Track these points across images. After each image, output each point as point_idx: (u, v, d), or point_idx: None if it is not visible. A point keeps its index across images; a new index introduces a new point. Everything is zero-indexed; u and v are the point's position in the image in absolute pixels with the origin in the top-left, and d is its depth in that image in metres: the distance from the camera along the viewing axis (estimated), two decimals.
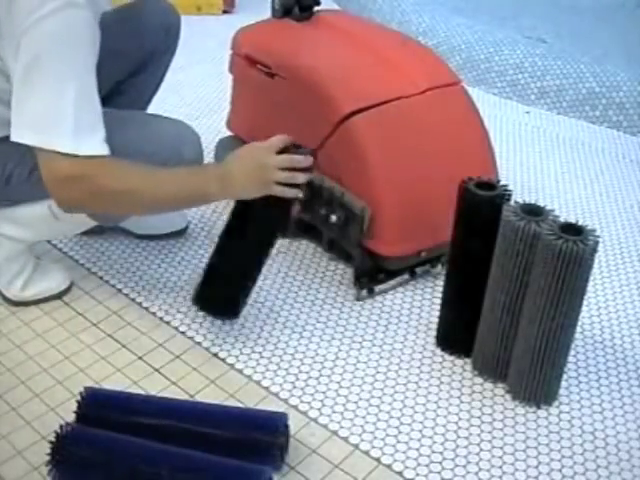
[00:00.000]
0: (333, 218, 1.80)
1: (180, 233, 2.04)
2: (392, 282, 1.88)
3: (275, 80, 1.93)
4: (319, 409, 1.53)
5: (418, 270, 1.89)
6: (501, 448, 1.47)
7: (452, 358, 1.67)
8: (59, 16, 1.34)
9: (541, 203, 1.51)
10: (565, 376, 1.58)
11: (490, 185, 1.54)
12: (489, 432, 1.50)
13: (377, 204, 1.74)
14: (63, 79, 1.36)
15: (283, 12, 2.06)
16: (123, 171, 1.43)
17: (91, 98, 1.40)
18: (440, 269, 1.88)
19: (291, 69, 1.90)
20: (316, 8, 2.11)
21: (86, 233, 1.92)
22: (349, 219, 1.78)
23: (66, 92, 1.36)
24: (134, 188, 1.43)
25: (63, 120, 1.36)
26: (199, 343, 1.69)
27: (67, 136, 1.36)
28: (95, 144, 1.39)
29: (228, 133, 2.22)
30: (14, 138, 1.38)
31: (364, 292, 1.84)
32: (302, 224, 1.94)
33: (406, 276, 1.89)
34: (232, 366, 1.63)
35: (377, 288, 1.85)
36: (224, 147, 2.19)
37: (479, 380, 1.62)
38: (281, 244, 2.00)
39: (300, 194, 1.53)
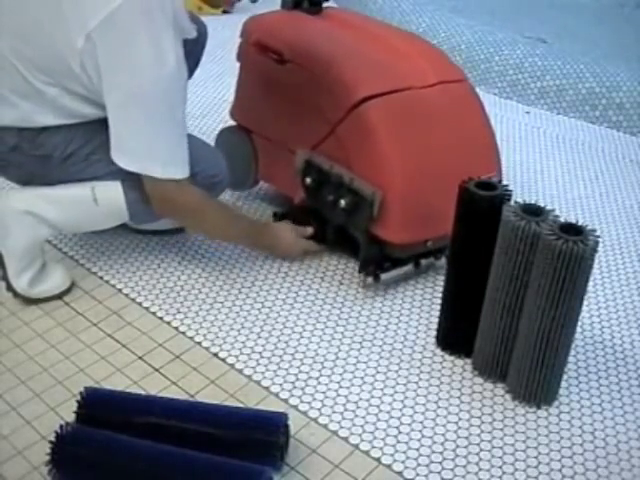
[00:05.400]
0: (342, 203, 1.79)
1: (180, 230, 2.05)
2: (397, 271, 1.86)
3: (286, 67, 1.93)
4: (319, 409, 1.53)
5: (423, 262, 1.88)
6: (501, 448, 1.47)
7: (452, 358, 1.67)
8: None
9: (541, 203, 1.51)
10: (565, 376, 1.58)
11: (490, 185, 1.54)
12: (489, 432, 1.50)
13: (386, 190, 1.74)
14: (165, 116, 1.59)
15: (293, 4, 2.07)
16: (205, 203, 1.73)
17: (181, 128, 1.63)
18: (444, 261, 1.87)
19: (305, 55, 1.90)
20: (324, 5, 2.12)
21: None
22: (358, 204, 1.77)
23: (164, 127, 1.59)
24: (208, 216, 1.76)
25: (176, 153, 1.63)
26: (199, 343, 1.69)
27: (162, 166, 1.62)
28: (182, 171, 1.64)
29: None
30: (116, 160, 1.61)
31: (369, 279, 1.84)
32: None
33: (411, 267, 1.88)
34: (232, 366, 1.63)
35: (382, 277, 1.84)
36: (225, 137, 2.19)
37: (479, 380, 1.62)
38: None
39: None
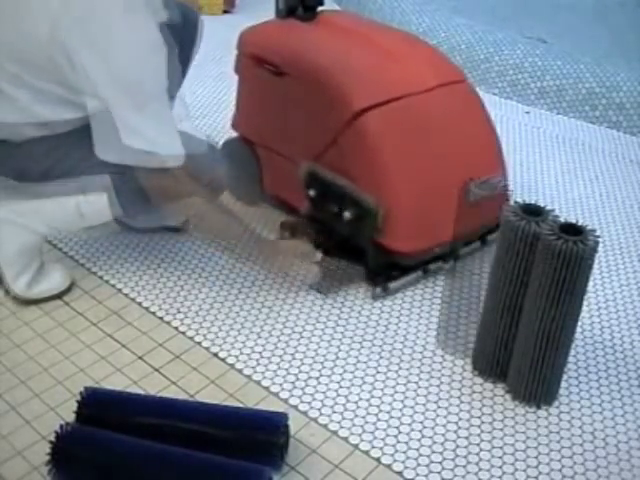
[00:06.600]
0: (347, 215, 1.79)
1: (179, 228, 2.04)
2: (405, 279, 1.86)
3: (283, 79, 1.92)
4: (319, 409, 1.53)
5: (431, 267, 1.88)
6: (501, 448, 1.47)
7: (452, 358, 1.67)
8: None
9: (541, 203, 1.51)
10: (565, 376, 1.58)
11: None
12: (489, 432, 1.50)
13: (391, 200, 1.73)
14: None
15: (287, 12, 2.07)
16: None
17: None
18: (452, 265, 1.87)
19: (301, 67, 1.89)
20: (319, 8, 2.11)
21: None
22: (362, 216, 1.77)
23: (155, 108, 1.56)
24: None
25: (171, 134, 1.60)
26: (199, 343, 1.69)
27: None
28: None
29: (229, 133, 2.22)
30: (128, 143, 1.54)
31: (379, 290, 1.83)
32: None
33: (419, 273, 1.88)
34: (232, 366, 1.63)
35: (391, 286, 1.83)
36: (230, 149, 2.18)
37: (479, 380, 1.62)
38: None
39: None
